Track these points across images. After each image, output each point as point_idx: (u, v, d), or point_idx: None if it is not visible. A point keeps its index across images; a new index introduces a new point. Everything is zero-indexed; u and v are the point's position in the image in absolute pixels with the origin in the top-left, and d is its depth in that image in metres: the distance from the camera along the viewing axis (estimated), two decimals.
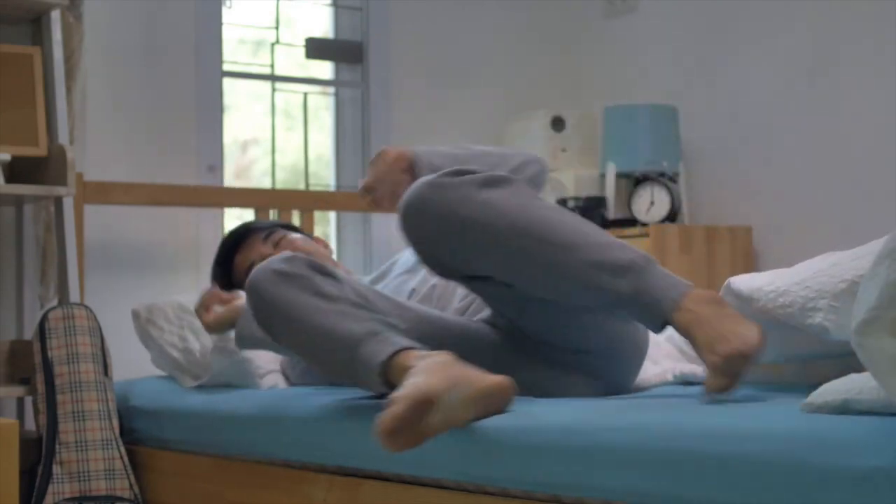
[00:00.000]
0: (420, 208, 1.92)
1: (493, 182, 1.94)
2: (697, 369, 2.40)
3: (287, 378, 2.72)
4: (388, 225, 3.97)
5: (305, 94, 4.17)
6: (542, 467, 1.74)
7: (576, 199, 3.94)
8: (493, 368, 1.82)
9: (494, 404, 1.78)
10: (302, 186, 4.13)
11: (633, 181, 3.92)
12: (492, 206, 1.90)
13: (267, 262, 2.04)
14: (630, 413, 1.80)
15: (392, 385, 1.78)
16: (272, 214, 3.65)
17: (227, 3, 3.93)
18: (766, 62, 3.92)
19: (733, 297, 2.12)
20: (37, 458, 2.76)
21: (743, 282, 2.10)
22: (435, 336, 2.04)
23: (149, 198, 3.45)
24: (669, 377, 2.43)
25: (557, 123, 4.18)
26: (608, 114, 4.00)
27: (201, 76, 3.78)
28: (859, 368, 1.63)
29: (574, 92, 4.47)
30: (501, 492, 1.80)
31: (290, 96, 4.16)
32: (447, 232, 1.92)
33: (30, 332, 3.20)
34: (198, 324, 2.94)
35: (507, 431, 1.81)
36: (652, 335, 2.62)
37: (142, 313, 3.04)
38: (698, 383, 2.39)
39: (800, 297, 1.95)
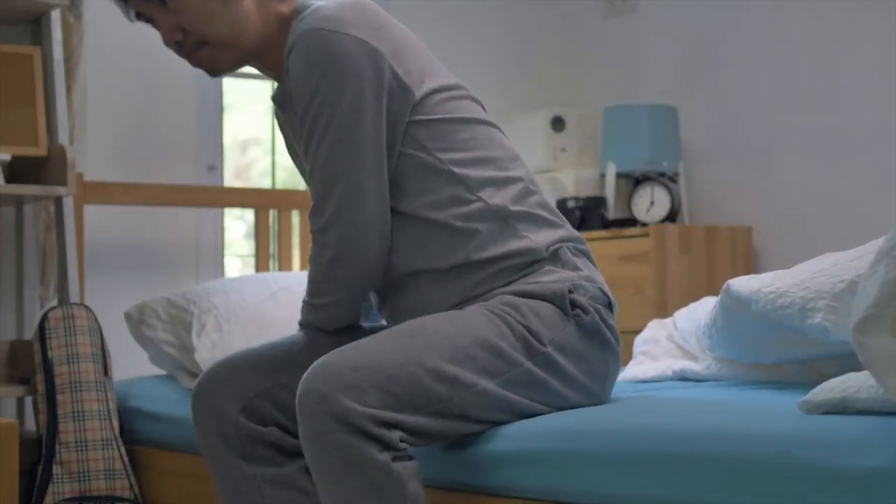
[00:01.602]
0: None
1: None
2: (697, 366, 2.41)
3: None
4: None
5: None
6: (542, 473, 1.74)
7: (576, 199, 3.94)
8: None
9: None
10: (302, 186, 4.13)
11: (633, 181, 3.92)
12: None
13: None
14: (627, 415, 1.80)
15: None
16: (272, 214, 3.65)
17: None
18: (766, 62, 3.91)
19: (733, 299, 2.12)
20: (37, 458, 2.76)
21: (742, 284, 2.10)
22: None
23: (149, 198, 3.45)
24: (669, 373, 2.44)
25: (557, 123, 4.18)
26: (608, 114, 4.00)
27: (201, 76, 3.77)
28: (859, 368, 1.63)
29: (574, 92, 4.47)
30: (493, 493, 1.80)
31: None
32: None
33: (30, 332, 3.20)
34: (189, 320, 2.96)
35: (504, 436, 1.81)
36: (653, 332, 2.62)
37: (133, 314, 3.06)
38: (697, 379, 2.40)
39: (799, 298, 1.95)
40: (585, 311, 1.86)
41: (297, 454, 1.93)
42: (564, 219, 1.99)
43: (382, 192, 1.89)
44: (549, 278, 1.87)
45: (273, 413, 1.94)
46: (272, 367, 1.96)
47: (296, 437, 1.94)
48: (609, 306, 1.93)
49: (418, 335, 1.77)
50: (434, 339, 1.77)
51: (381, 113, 1.88)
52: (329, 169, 1.88)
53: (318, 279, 1.94)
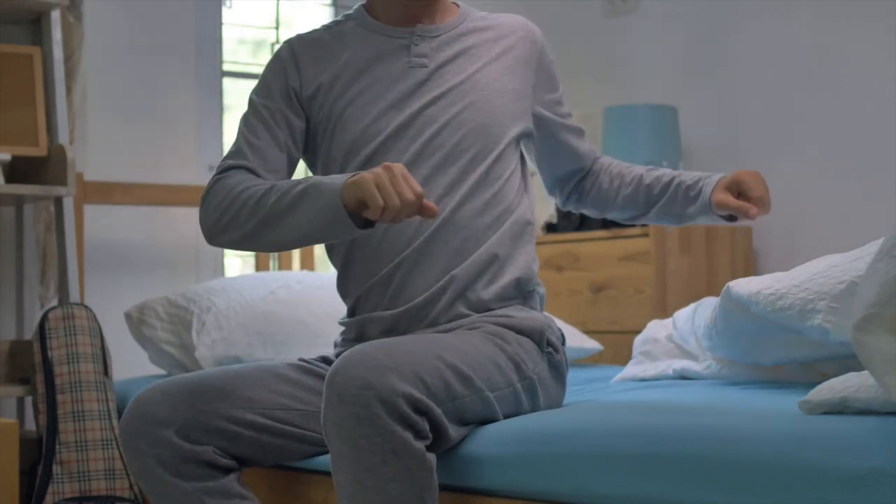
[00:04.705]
0: None
1: None
2: (697, 366, 2.41)
3: None
4: None
5: None
6: (541, 473, 1.74)
7: None
8: None
9: None
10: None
11: None
12: None
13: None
14: (626, 416, 1.80)
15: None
16: None
17: (227, 3, 3.93)
18: (766, 62, 3.91)
19: (733, 301, 2.12)
20: (37, 458, 2.76)
21: (742, 286, 2.10)
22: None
23: (149, 198, 3.46)
24: (669, 372, 2.45)
25: None
26: (608, 114, 4.00)
27: (201, 76, 3.78)
28: (859, 369, 1.63)
29: (574, 92, 4.46)
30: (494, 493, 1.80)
31: None
32: None
33: (30, 332, 3.20)
34: (189, 318, 2.96)
35: (504, 437, 1.81)
36: (653, 332, 2.62)
37: (133, 314, 3.07)
38: (695, 378, 2.41)
39: (798, 300, 1.96)
40: (556, 349, 1.98)
41: (229, 470, 1.95)
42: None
43: None
44: (522, 315, 1.97)
45: (206, 436, 1.93)
46: (205, 393, 1.96)
47: (230, 457, 1.95)
48: (563, 344, 2.05)
49: (432, 339, 1.84)
50: (448, 343, 1.83)
51: None
52: None
53: None
